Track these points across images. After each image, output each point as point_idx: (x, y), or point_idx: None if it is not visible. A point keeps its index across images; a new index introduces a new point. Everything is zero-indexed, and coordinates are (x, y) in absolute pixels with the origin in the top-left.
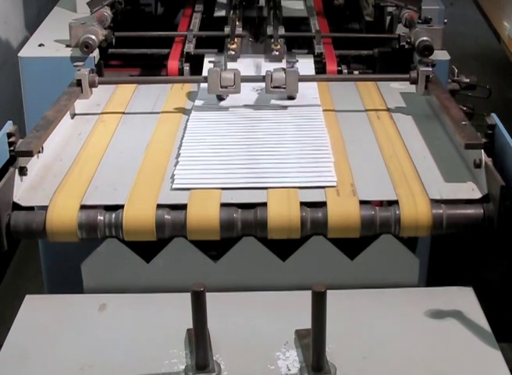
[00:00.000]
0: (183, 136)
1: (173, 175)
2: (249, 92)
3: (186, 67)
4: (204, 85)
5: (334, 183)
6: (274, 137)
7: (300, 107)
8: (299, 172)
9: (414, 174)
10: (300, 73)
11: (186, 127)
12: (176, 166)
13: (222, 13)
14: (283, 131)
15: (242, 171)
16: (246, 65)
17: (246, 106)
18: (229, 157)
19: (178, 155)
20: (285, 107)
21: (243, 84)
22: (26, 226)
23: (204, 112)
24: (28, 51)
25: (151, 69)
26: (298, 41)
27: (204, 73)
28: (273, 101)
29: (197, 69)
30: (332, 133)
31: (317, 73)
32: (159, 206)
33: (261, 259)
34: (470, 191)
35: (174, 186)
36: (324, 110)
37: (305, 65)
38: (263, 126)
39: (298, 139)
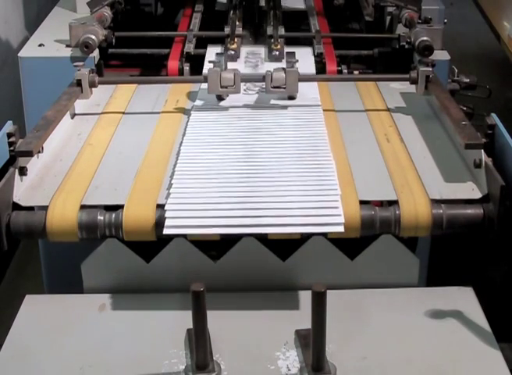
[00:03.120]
0: (178, 156)
1: (165, 215)
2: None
3: (186, 67)
4: (204, 85)
5: (341, 228)
6: (275, 157)
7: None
8: (303, 215)
9: (414, 174)
10: (300, 68)
11: (181, 147)
12: (167, 198)
13: (223, 8)
14: (284, 146)
15: (239, 211)
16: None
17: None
18: (226, 191)
19: (170, 185)
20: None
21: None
22: (26, 226)
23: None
24: (28, 51)
25: (151, 69)
26: (298, 40)
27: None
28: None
29: (197, 69)
30: (331, 133)
31: (317, 73)
32: (159, 206)
33: (261, 259)
34: (470, 191)
35: (165, 231)
36: (324, 110)
37: (304, 57)
38: (262, 141)
39: (301, 161)
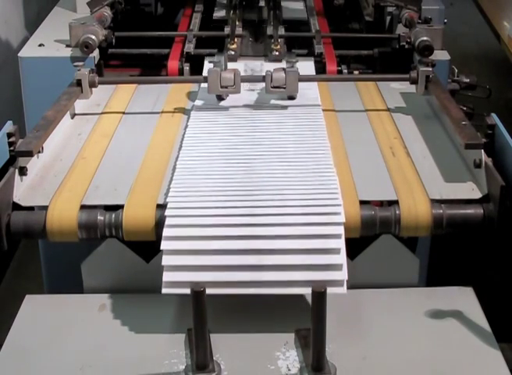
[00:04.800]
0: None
1: (162, 263)
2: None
3: (186, 67)
4: (204, 85)
5: (343, 290)
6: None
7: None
8: (304, 267)
9: (414, 174)
10: (301, 73)
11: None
12: (164, 228)
13: (222, 14)
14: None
15: (239, 258)
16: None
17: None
18: (224, 231)
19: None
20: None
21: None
22: (26, 226)
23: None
24: (28, 51)
25: (151, 69)
26: (298, 41)
27: (205, 73)
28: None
29: (197, 69)
30: (331, 133)
31: (317, 73)
32: (159, 206)
33: None
34: (470, 191)
35: (164, 291)
36: (324, 110)
37: (305, 66)
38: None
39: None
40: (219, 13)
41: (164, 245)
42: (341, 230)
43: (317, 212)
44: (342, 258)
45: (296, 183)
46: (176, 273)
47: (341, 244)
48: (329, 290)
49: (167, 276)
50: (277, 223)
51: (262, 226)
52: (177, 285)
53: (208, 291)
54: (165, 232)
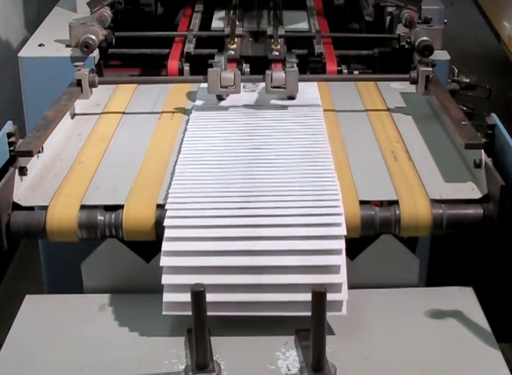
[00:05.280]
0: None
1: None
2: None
3: (186, 67)
4: (204, 85)
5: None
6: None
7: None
8: (304, 289)
9: (414, 174)
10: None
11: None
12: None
13: (221, 24)
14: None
15: (240, 278)
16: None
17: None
18: (225, 245)
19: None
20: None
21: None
22: (26, 226)
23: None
24: (28, 51)
25: (151, 69)
26: (298, 41)
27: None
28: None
29: (197, 69)
30: (332, 134)
31: (317, 73)
32: (159, 206)
33: None
34: (470, 191)
35: (164, 312)
36: (324, 110)
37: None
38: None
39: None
40: (218, 24)
41: (163, 261)
42: (342, 244)
43: (317, 223)
44: (342, 277)
45: (296, 189)
46: (177, 294)
47: (341, 260)
48: (328, 314)
49: (167, 297)
50: (277, 236)
51: (262, 240)
52: (178, 306)
53: (208, 313)
54: (165, 246)
